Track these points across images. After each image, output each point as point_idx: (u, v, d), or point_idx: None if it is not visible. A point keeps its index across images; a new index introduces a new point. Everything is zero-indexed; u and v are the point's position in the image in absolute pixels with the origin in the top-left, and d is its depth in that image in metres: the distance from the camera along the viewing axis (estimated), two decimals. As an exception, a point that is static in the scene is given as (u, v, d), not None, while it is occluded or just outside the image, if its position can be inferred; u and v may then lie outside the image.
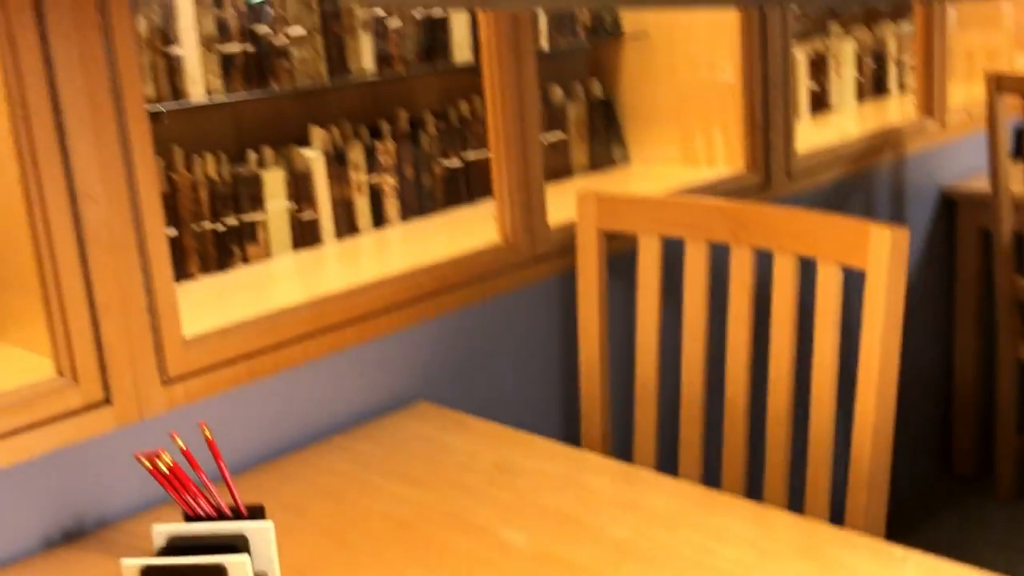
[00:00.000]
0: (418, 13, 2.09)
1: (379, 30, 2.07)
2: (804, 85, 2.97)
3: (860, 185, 2.67)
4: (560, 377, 1.94)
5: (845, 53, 3.10)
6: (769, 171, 2.39)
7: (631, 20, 2.52)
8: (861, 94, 3.17)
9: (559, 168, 2.47)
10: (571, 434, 1.92)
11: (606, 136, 2.55)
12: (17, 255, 1.41)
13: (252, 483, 1.49)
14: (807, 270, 1.49)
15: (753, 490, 1.60)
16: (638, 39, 2.52)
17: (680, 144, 2.50)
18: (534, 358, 1.92)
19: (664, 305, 1.67)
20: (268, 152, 1.98)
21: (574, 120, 2.49)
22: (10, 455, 1.33)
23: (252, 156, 1.96)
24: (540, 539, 1.32)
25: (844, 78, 3.11)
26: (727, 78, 2.39)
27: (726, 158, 2.43)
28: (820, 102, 3.04)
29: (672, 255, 1.71)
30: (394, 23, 2.09)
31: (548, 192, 1.97)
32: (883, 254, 1.32)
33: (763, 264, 1.55)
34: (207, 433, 1.25)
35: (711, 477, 1.65)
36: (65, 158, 1.35)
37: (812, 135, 2.74)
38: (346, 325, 1.69)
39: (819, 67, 3.04)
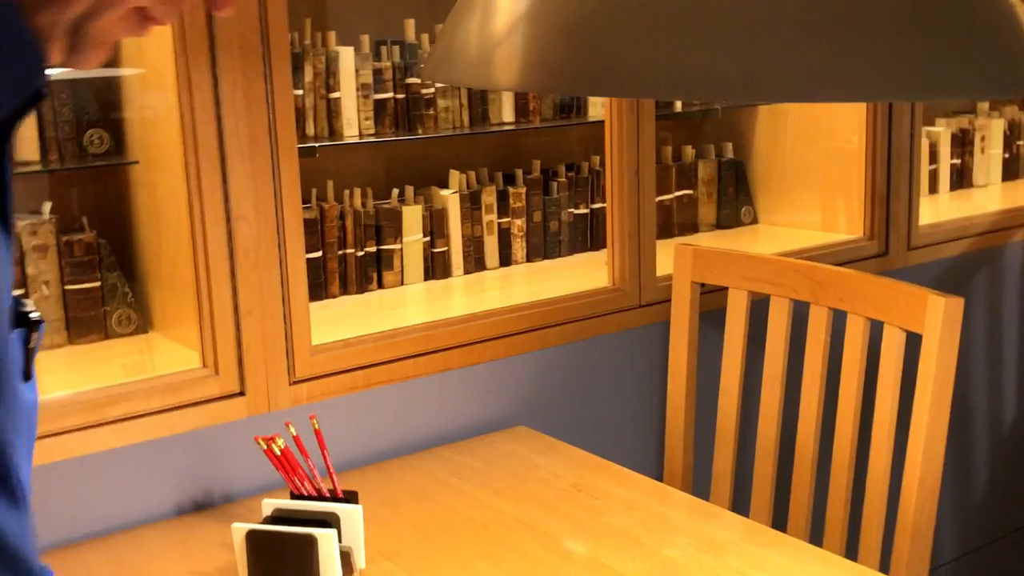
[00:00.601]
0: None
1: (520, 86, 2.27)
2: (945, 160, 3.02)
3: (988, 261, 2.71)
4: (654, 415, 2.08)
5: (993, 132, 3.14)
6: (888, 241, 2.46)
7: (766, 88, 2.64)
8: (1013, 174, 3.19)
9: (685, 224, 2.61)
10: (659, 469, 2.05)
11: (735, 196, 2.68)
12: (179, 264, 1.66)
13: (356, 477, 1.69)
14: (876, 330, 1.59)
15: (816, 534, 1.70)
16: (772, 105, 2.64)
17: (807, 208, 2.61)
18: (631, 396, 2.06)
19: (748, 355, 1.79)
20: (409, 190, 2.20)
21: (703, 179, 2.63)
22: (156, 430, 1.57)
23: (395, 192, 2.19)
24: (598, 551, 1.47)
25: (990, 156, 3.14)
26: (854, 147, 2.49)
27: (850, 225, 2.52)
28: (963, 179, 3.08)
29: (760, 308, 1.83)
30: (534, 81, 2.28)
31: (670, 246, 2.12)
32: (937, 320, 1.42)
33: (838, 322, 1.66)
34: (315, 424, 1.46)
35: (780, 519, 1.76)
36: (224, 184, 1.59)
37: (947, 210, 2.79)
38: (456, 348, 1.87)
39: (964, 144, 3.08)
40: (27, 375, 0.82)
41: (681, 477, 1.85)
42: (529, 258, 2.36)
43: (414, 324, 1.86)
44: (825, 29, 0.71)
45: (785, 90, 0.76)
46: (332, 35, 2.07)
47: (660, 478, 1.90)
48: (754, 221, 2.71)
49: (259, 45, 1.59)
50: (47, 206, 1.79)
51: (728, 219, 2.67)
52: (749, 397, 1.81)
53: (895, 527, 1.51)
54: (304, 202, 2.04)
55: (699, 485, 1.89)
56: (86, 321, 1.82)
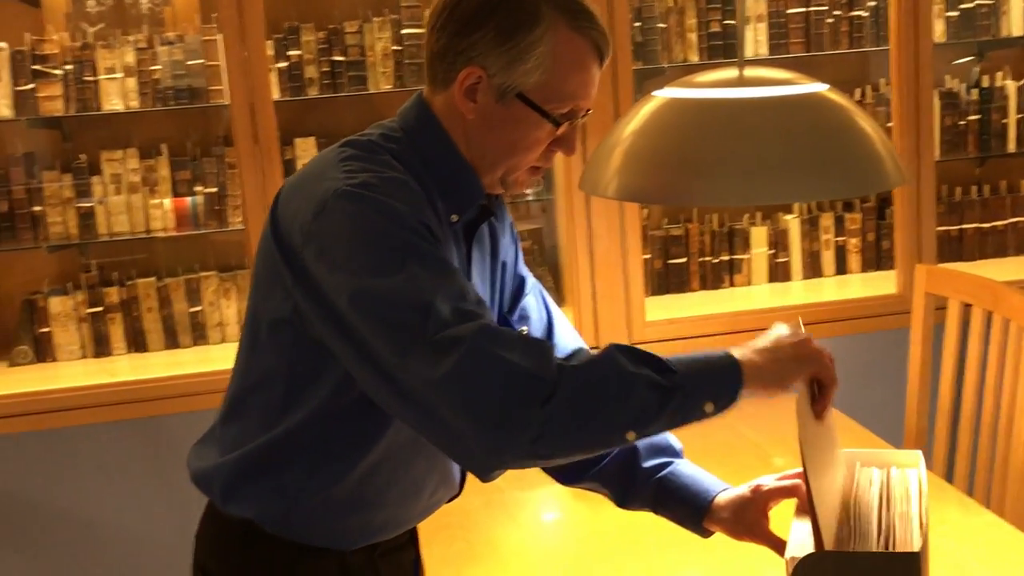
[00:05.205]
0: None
1: (854, 136, 2.95)
2: None
3: None
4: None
5: None
6: None
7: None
8: None
9: (1022, 245, 3.08)
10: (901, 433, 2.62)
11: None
12: (568, 270, 2.64)
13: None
14: None
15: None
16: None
17: None
18: (896, 377, 2.66)
19: (961, 351, 2.36)
20: (758, 215, 2.99)
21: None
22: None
23: (746, 216, 2.99)
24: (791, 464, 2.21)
25: None
26: None
27: None
28: None
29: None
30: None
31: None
32: (1033, 328, 1.95)
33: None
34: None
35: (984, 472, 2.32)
36: (588, 216, 2.54)
37: None
38: (758, 330, 2.65)
39: None
40: None
41: (916, 439, 2.46)
42: (864, 269, 3.02)
43: (724, 311, 2.68)
44: (774, 172, 1.48)
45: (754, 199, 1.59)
46: (702, 105, 2.91)
47: (901, 441, 2.52)
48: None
49: (613, 113, 2.51)
50: (503, 224, 2.87)
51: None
52: (960, 381, 2.37)
53: None
54: (675, 222, 2.94)
55: (927, 450, 2.48)
56: (524, 297, 2.88)
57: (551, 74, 1.36)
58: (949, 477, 2.36)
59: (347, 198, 1.28)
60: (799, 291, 2.94)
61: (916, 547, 1.23)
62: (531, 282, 1.66)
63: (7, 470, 2.56)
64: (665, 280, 2.92)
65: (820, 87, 1.57)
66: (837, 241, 3.01)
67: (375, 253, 1.26)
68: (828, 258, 3.01)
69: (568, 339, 1.68)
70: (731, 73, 1.59)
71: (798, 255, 2.99)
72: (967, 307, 2.34)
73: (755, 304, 2.82)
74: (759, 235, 2.97)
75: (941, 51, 2.93)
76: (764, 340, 1.34)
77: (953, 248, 3.01)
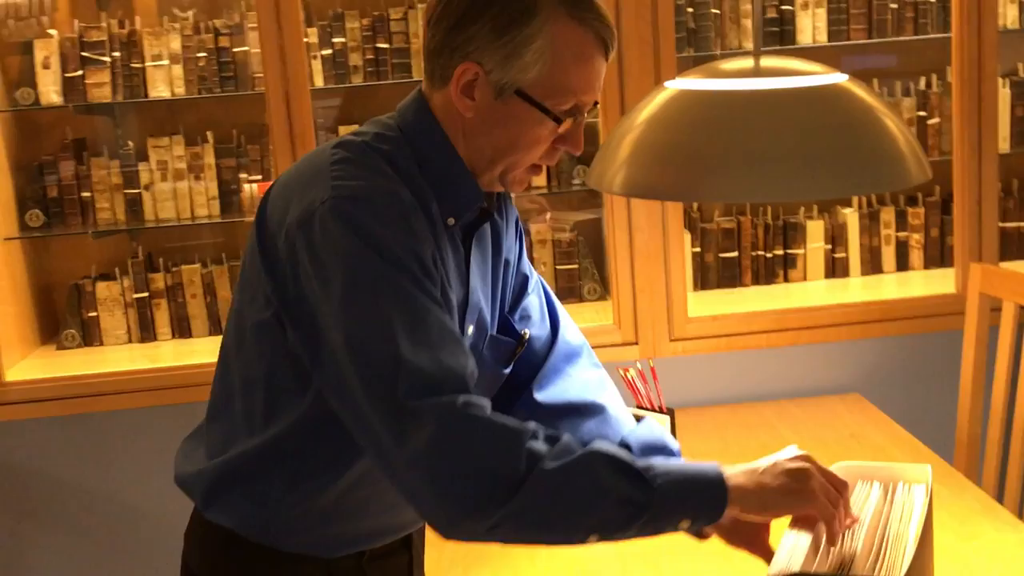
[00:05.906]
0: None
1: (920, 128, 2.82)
2: None
3: None
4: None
5: None
6: None
7: None
8: None
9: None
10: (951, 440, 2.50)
11: None
12: (610, 263, 2.58)
13: (707, 410, 2.48)
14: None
15: (1042, 500, 2.12)
16: None
17: None
18: (949, 380, 2.54)
19: (1016, 353, 2.23)
20: (814, 208, 2.88)
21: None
22: (578, 359, 2.51)
23: (802, 210, 2.88)
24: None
25: None
26: None
27: None
28: None
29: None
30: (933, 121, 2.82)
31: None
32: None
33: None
34: (651, 363, 2.29)
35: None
36: (628, 211, 2.47)
37: None
38: (805, 329, 2.56)
39: None
40: (507, 364, 1.52)
41: (967, 446, 2.34)
42: (927, 266, 2.89)
43: (774, 308, 2.58)
44: (786, 168, 1.41)
45: (766, 197, 1.52)
46: (757, 94, 2.82)
47: (952, 444, 2.40)
48: None
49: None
50: (548, 215, 2.82)
51: None
52: (1014, 387, 2.25)
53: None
54: (727, 215, 2.85)
55: (974, 466, 2.36)
56: (567, 290, 2.82)
57: (551, 68, 1.30)
58: (1000, 487, 2.25)
59: (334, 214, 1.24)
60: (857, 288, 2.83)
61: (900, 574, 1.15)
62: (534, 281, 1.61)
63: (52, 452, 2.61)
64: (716, 274, 2.84)
65: (839, 78, 1.49)
66: (898, 236, 2.89)
67: (353, 283, 1.22)
68: (888, 254, 2.89)
69: (571, 340, 1.63)
70: (746, 63, 1.52)
71: (856, 250, 2.88)
72: (1023, 309, 2.22)
73: (810, 301, 2.72)
74: (815, 229, 2.86)
75: (1013, 38, 2.79)
76: (764, 461, 1.29)
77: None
